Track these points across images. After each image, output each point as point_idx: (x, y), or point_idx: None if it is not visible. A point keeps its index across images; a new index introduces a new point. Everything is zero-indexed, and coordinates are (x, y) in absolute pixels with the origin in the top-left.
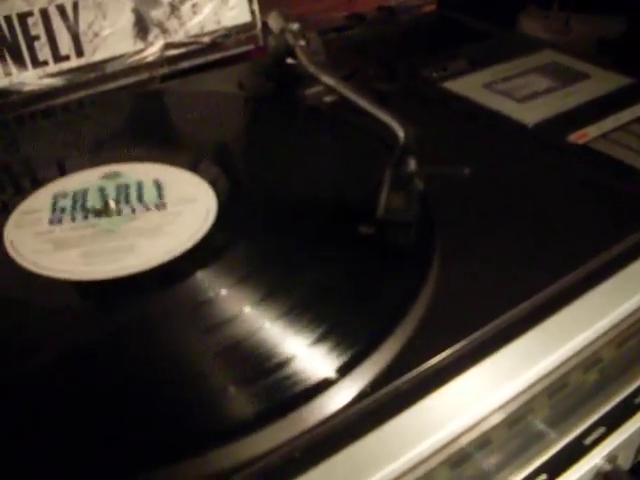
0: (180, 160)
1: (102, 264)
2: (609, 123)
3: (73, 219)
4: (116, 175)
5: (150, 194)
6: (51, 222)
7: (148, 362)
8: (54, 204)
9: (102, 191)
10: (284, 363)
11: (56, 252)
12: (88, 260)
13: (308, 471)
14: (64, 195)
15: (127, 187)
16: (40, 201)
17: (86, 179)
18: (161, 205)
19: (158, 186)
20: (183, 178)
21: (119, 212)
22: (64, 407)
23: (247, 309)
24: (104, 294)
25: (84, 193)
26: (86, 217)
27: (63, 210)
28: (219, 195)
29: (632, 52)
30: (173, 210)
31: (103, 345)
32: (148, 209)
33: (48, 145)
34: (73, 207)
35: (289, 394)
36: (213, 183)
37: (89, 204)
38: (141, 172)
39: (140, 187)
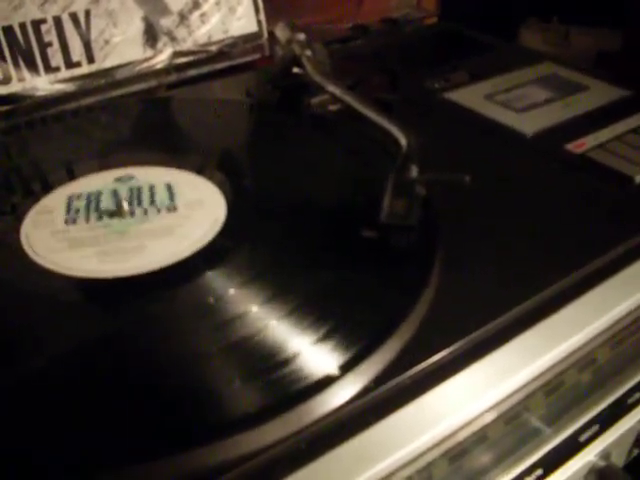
0: (191, 165)
1: (115, 263)
2: (606, 133)
3: (87, 220)
4: (129, 178)
5: (162, 196)
6: (66, 222)
7: (158, 358)
8: (69, 205)
9: (115, 193)
10: (291, 359)
11: (71, 251)
12: (102, 259)
13: (313, 462)
14: (78, 196)
15: (140, 190)
16: (55, 202)
17: (100, 182)
18: (172, 208)
19: (169, 189)
20: (193, 182)
21: (132, 213)
22: (73, 399)
23: (255, 308)
24: (117, 291)
25: (98, 195)
26: (100, 218)
27: (77, 211)
28: (228, 199)
29: (630, 65)
30: (184, 213)
31: (112, 340)
32: (159, 211)
33: (65, 148)
34: (87, 208)
35: (296, 388)
36: (222, 188)
37: (103, 205)
38: (153, 176)
39: (152, 190)
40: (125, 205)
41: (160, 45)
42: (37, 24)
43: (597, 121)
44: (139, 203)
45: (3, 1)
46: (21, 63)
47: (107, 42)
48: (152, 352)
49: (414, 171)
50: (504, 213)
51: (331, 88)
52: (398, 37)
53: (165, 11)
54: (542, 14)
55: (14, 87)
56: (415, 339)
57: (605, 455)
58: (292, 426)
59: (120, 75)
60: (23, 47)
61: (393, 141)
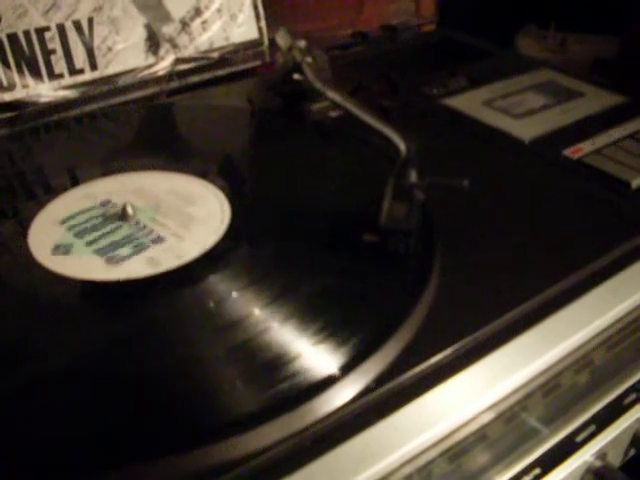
0: (194, 170)
1: (120, 266)
2: (602, 139)
3: (92, 224)
4: (132, 182)
5: (166, 201)
6: (70, 226)
7: (161, 360)
8: (73, 210)
9: (120, 198)
10: (294, 360)
11: (75, 254)
12: (107, 262)
13: (316, 460)
14: (82, 201)
15: (145, 194)
16: (59, 207)
17: (103, 187)
18: (176, 211)
19: (173, 193)
20: (197, 187)
21: (136, 217)
22: (79, 398)
23: (257, 310)
24: (121, 294)
25: (101, 200)
26: (105, 222)
27: (81, 215)
28: (231, 204)
29: (625, 71)
30: (187, 216)
31: (115, 341)
32: (164, 215)
33: (68, 154)
34: (91, 213)
35: (299, 388)
36: (225, 192)
37: (107, 211)
38: (157, 180)
39: (157, 194)
40: (130, 209)
41: (162, 52)
42: (41, 32)
43: (594, 127)
44: (144, 207)
45: (8, 9)
46: (25, 70)
47: (110, 49)
48: (155, 354)
49: (413, 176)
50: (502, 217)
51: (331, 94)
52: (397, 44)
53: (167, 18)
54: (539, 21)
55: (18, 94)
56: (415, 340)
57: (601, 455)
58: (295, 425)
59: (122, 82)
60: (27, 54)
61: (392, 146)
